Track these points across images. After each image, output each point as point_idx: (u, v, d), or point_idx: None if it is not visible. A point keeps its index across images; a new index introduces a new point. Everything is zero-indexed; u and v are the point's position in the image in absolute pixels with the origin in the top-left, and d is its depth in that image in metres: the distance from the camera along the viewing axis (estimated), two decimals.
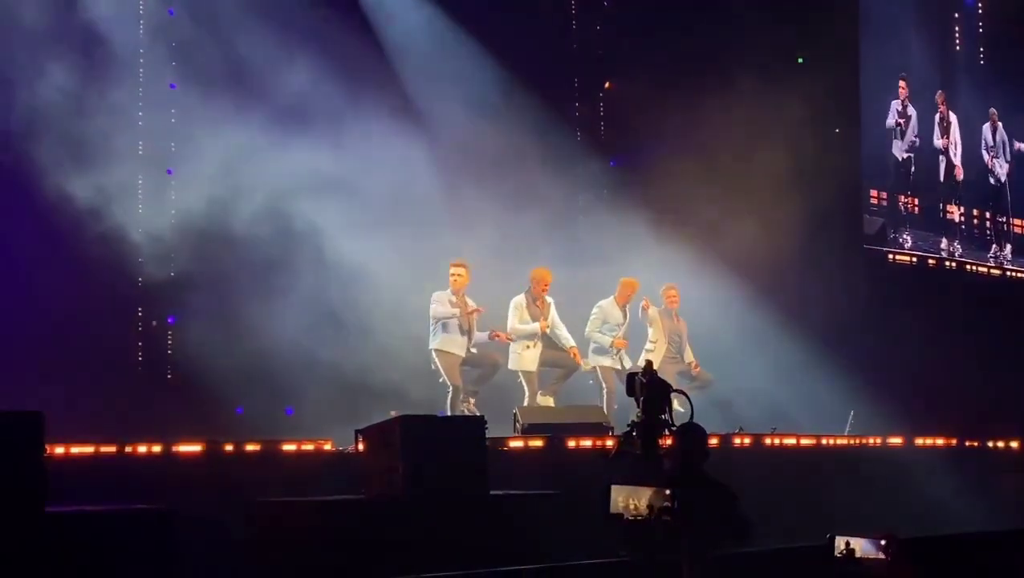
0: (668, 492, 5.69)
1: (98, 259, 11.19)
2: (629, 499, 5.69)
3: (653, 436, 5.99)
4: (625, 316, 12.45)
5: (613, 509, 5.71)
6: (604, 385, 12.23)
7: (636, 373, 6.14)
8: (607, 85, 14.85)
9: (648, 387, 6.03)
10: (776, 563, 8.02)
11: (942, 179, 17.46)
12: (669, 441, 6.08)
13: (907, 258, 16.88)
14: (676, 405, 6.34)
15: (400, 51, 13.23)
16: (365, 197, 12.23)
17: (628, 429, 6.14)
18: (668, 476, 6.01)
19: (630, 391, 6.15)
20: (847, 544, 5.85)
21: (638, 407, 6.07)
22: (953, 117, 17.51)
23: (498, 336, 11.75)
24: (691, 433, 6.20)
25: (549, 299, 12.02)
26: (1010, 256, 18.21)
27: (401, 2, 13.29)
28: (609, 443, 10.25)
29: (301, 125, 12.22)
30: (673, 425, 6.07)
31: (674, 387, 6.21)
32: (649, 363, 6.29)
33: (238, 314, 11.74)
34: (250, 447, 9.32)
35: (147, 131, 11.78)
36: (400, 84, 13.14)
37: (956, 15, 17.96)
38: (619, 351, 12.29)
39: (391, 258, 12.27)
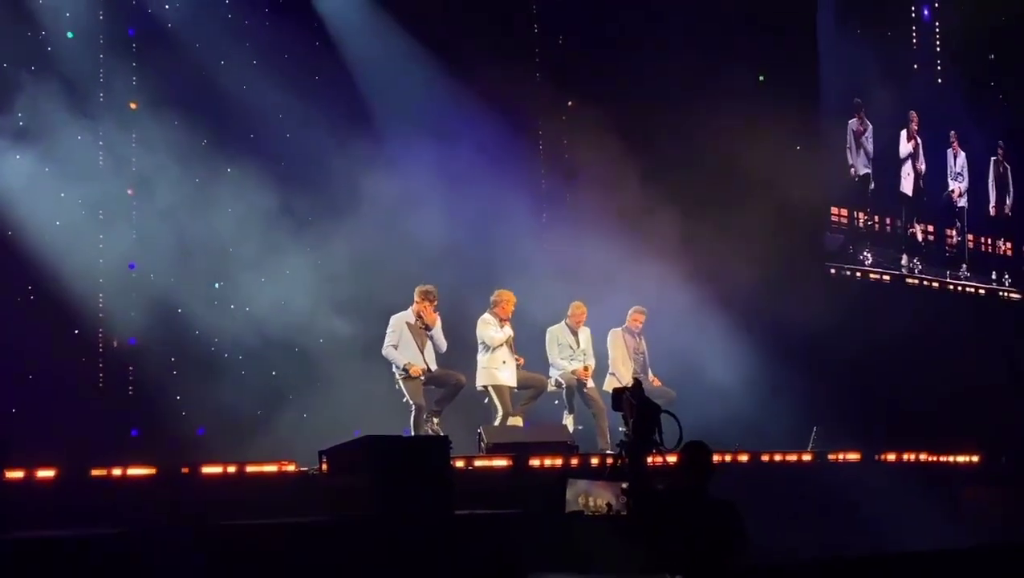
0: (624, 486, 5.66)
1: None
2: (586, 495, 5.65)
3: (642, 455, 5.95)
4: (578, 340, 12.28)
5: (570, 507, 5.68)
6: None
7: (624, 390, 6.09)
8: (569, 104, 14.79)
9: (638, 408, 5.98)
10: None
11: (907, 195, 17.59)
12: (659, 459, 6.05)
13: (869, 275, 16.99)
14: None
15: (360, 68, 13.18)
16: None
17: (618, 449, 6.10)
18: (671, 491, 5.96)
19: (617, 406, 6.10)
20: None
21: (626, 426, 6.03)
22: (918, 136, 17.66)
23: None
24: (700, 450, 6.21)
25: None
26: (968, 273, 18.37)
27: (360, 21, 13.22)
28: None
29: (259, 153, 12.24)
30: (662, 445, 6.03)
31: (662, 408, 6.17)
32: (637, 382, 6.24)
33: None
34: (212, 469, 9.22)
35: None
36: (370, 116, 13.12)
37: (914, 30, 18.13)
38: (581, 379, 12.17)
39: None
